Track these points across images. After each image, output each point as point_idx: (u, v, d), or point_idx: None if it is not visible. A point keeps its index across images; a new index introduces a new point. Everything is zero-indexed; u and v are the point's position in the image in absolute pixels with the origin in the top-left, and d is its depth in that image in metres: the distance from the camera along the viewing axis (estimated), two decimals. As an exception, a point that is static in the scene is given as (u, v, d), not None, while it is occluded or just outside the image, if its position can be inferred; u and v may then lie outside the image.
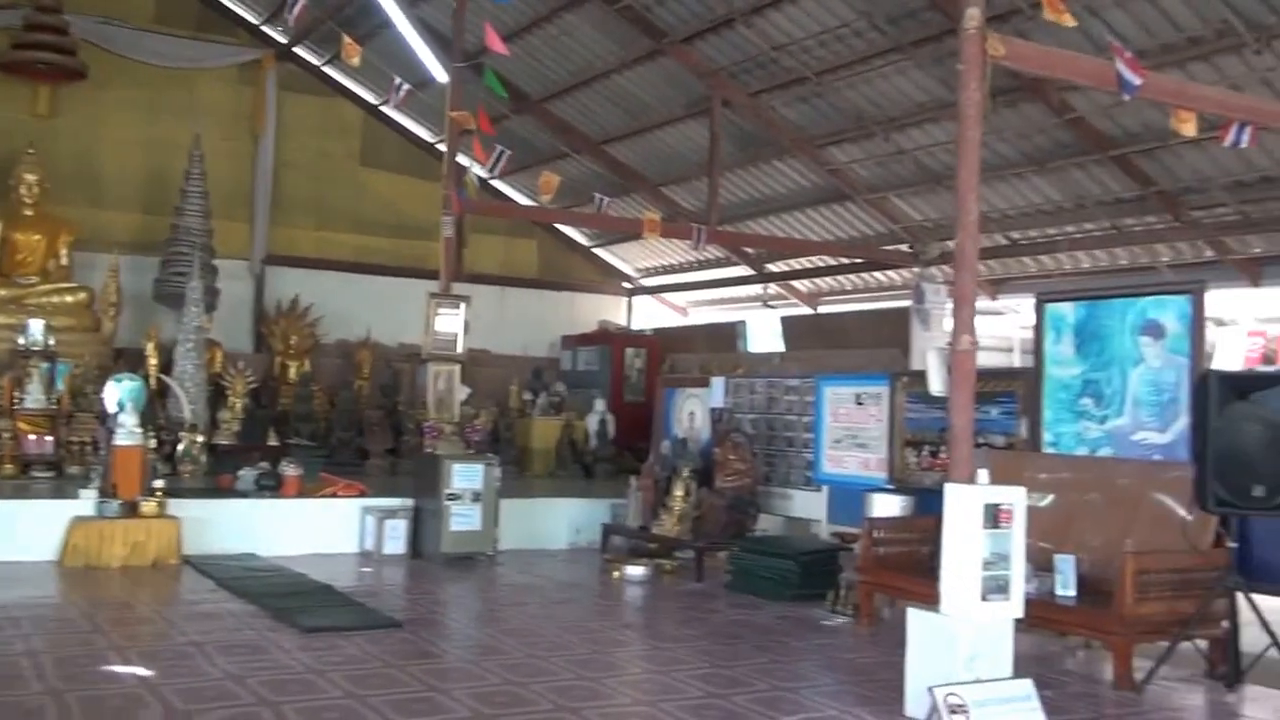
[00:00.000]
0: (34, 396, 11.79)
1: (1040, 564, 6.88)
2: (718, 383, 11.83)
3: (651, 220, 12.70)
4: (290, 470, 10.52)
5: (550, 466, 14.84)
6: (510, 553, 10.49)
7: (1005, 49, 5.85)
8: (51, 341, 12.36)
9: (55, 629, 6.85)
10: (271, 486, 10.38)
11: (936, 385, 8.46)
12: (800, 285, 17.21)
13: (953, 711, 5.08)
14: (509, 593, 8.96)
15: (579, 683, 6.05)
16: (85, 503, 9.26)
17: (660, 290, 19.29)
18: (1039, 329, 8.59)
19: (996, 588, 5.51)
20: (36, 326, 12.37)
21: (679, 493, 10.24)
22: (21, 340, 12.27)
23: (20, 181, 14.03)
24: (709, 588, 9.39)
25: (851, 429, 10.48)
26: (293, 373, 15.36)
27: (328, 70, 16.72)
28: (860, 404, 10.41)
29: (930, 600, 5.87)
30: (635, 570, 9.62)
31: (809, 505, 10.76)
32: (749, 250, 16.94)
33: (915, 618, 5.74)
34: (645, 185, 16.32)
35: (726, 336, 16.96)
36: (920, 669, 5.58)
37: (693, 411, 11.84)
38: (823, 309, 17.04)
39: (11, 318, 13.00)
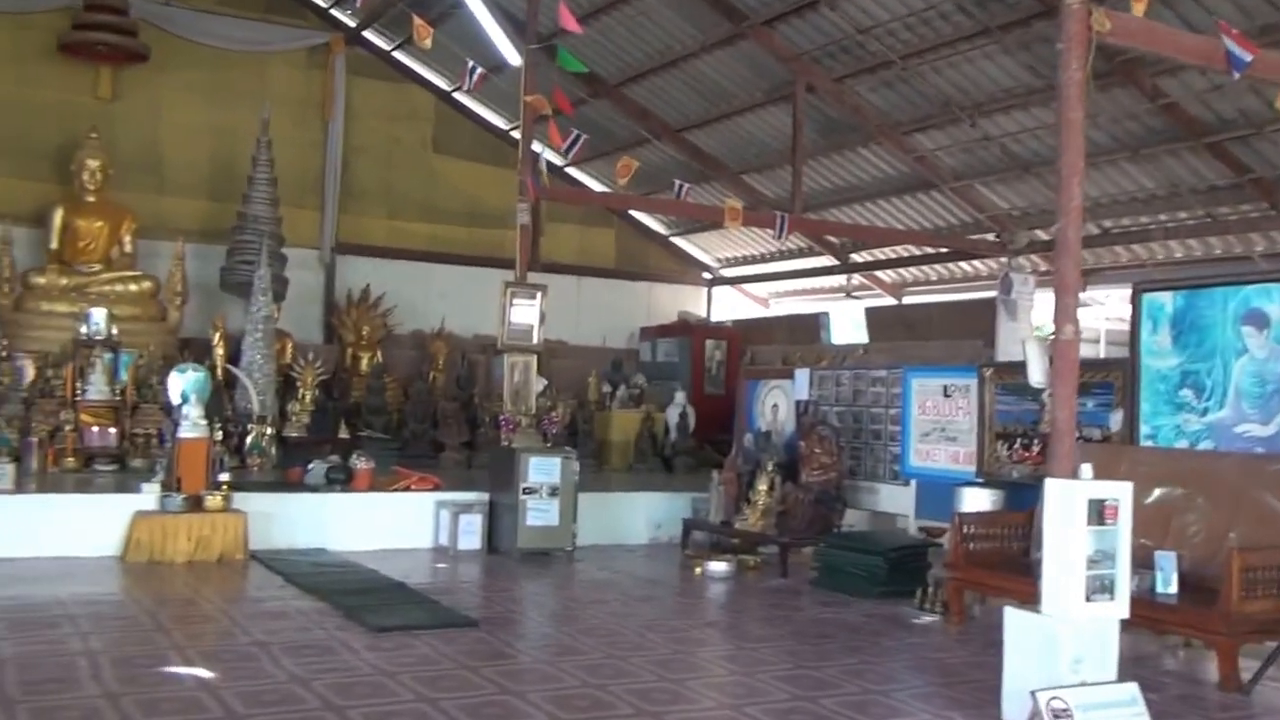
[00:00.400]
0: (97, 387, 11.80)
1: (1139, 561, 6.64)
2: (802, 374, 11.63)
3: (733, 208, 12.51)
4: (361, 463, 10.52)
5: (629, 460, 14.79)
6: (588, 548, 10.40)
7: (1110, 23, 5.61)
8: (115, 331, 12.38)
9: (115, 627, 6.80)
10: (342, 480, 10.37)
11: (1036, 376, 8.28)
12: (884, 275, 16.92)
13: (1056, 716, 4.93)
14: (587, 590, 8.86)
15: (660, 685, 5.92)
16: (148, 497, 9.27)
17: (741, 281, 19.10)
18: (1135, 319, 8.42)
19: (1101, 587, 5.34)
20: (99, 315, 12.38)
21: (763, 487, 10.09)
22: (84, 329, 12.27)
23: (82, 167, 14.02)
24: (794, 584, 9.25)
25: (939, 421, 10.31)
26: (365, 364, 15.35)
27: (398, 55, 16.68)
28: (948, 396, 10.23)
29: (1024, 598, 5.74)
30: (717, 566, 9.48)
31: (896, 499, 10.63)
32: (832, 240, 16.68)
33: (1013, 618, 5.57)
34: (725, 173, 16.13)
35: (809, 328, 16.73)
36: (1019, 671, 5.42)
37: (776, 404, 11.65)
38: (907, 300, 16.77)
39: (74, 306, 12.99)
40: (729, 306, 19.29)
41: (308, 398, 13.24)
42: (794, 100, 13.33)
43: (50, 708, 5.08)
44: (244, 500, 9.52)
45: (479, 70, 10.98)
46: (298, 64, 16.13)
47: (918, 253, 15.86)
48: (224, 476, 9.57)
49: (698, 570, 9.55)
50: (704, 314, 18.98)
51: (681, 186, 12.73)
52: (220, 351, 13.11)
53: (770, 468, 10.23)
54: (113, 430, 11.57)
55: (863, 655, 6.80)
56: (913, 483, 10.49)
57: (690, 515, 11.14)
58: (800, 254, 17.51)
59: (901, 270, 16.62)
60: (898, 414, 10.78)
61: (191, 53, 15.30)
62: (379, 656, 6.23)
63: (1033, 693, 4.97)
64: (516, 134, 13.86)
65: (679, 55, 14.02)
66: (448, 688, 5.65)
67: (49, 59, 14.58)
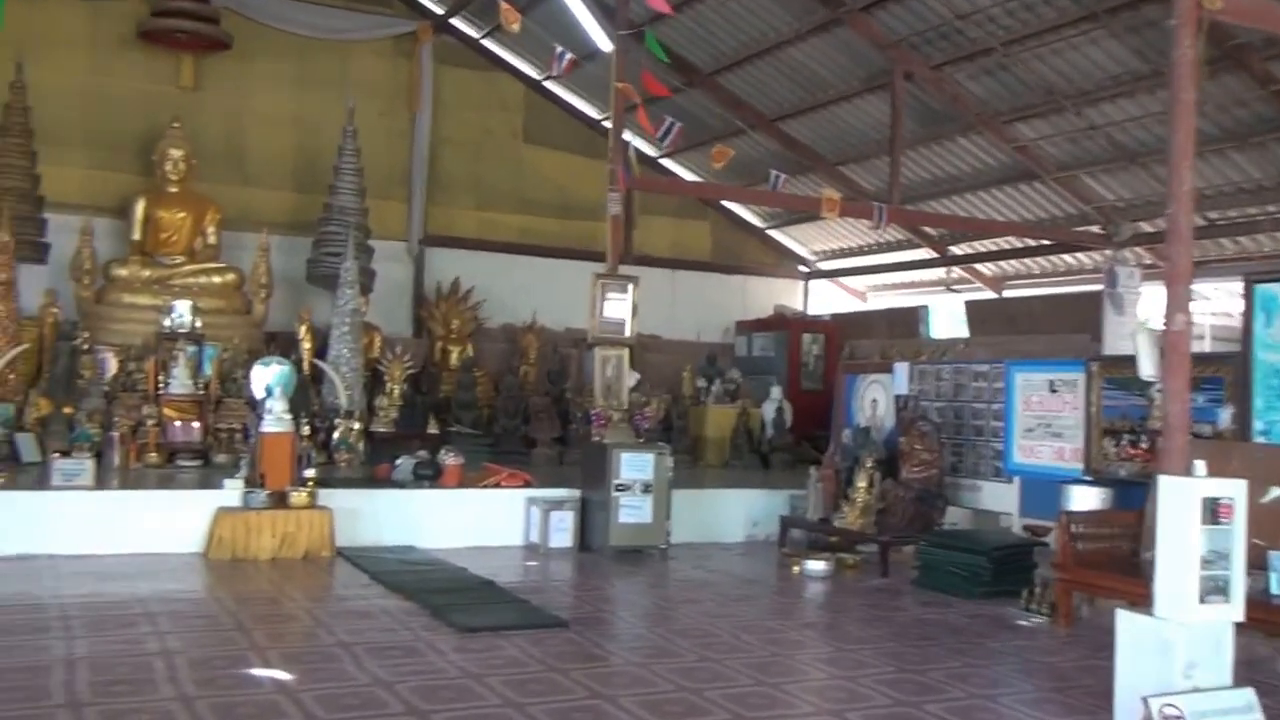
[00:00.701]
0: (180, 381, 11.82)
1: (1252, 562, 6.32)
2: (901, 369, 11.35)
3: (830, 199, 12.26)
4: (450, 459, 10.47)
5: (725, 456, 14.63)
6: (682, 546, 10.25)
7: (1222, 2, 5.38)
8: (199, 324, 12.37)
9: (193, 626, 6.77)
10: (430, 476, 10.34)
11: (1147, 369, 8.13)
12: (984, 268, 16.54)
13: (1169, 723, 4.67)
14: (681, 589, 8.69)
15: (757, 689, 5.74)
16: (231, 493, 9.27)
17: (838, 274, 18.79)
18: (1248, 312, 8.13)
19: (1215, 589, 5.13)
20: (183, 308, 12.37)
21: (862, 484, 9.86)
22: (167, 322, 12.28)
23: (165, 157, 14.05)
24: (894, 584, 9.03)
25: (1044, 417, 10.01)
26: (454, 358, 15.37)
27: (487, 43, 16.63)
28: (1054, 391, 9.90)
29: (1136, 600, 5.58)
30: (816, 565, 9.27)
31: (999, 497, 10.36)
32: (931, 232, 16.34)
33: (1125, 621, 5.36)
34: (822, 164, 15.86)
35: (908, 321, 16.45)
36: (1131, 676, 5.22)
37: (875, 399, 11.37)
38: (1008, 293, 16.37)
39: (156, 298, 13.02)
40: (826, 300, 19.04)
41: (396, 392, 13.19)
42: (892, 89, 13.06)
43: (121, 711, 5.03)
44: (330, 496, 9.50)
45: (568, 56, 10.90)
46: (384, 52, 16.10)
47: (1019, 245, 15.54)
48: (309, 472, 9.54)
49: (795, 569, 9.36)
50: (801, 308, 18.75)
51: (777, 177, 12.50)
52: (307, 345, 13.14)
53: (869, 464, 10.00)
54: (196, 425, 11.60)
55: (967, 658, 6.56)
56: (1016, 480, 10.20)
57: (787, 513, 10.95)
58: (899, 246, 17.17)
59: (1002, 263, 16.27)
60: (1000, 409, 10.49)
61: (275, 41, 15.31)
62: (466, 658, 6.13)
63: (1145, 699, 4.80)
64: (608, 123, 13.76)
65: (774, 43, 13.80)
66: (536, 691, 5.52)
67: (129, 47, 14.71)
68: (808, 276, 19.10)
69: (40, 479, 9.53)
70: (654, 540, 9.99)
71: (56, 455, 9.81)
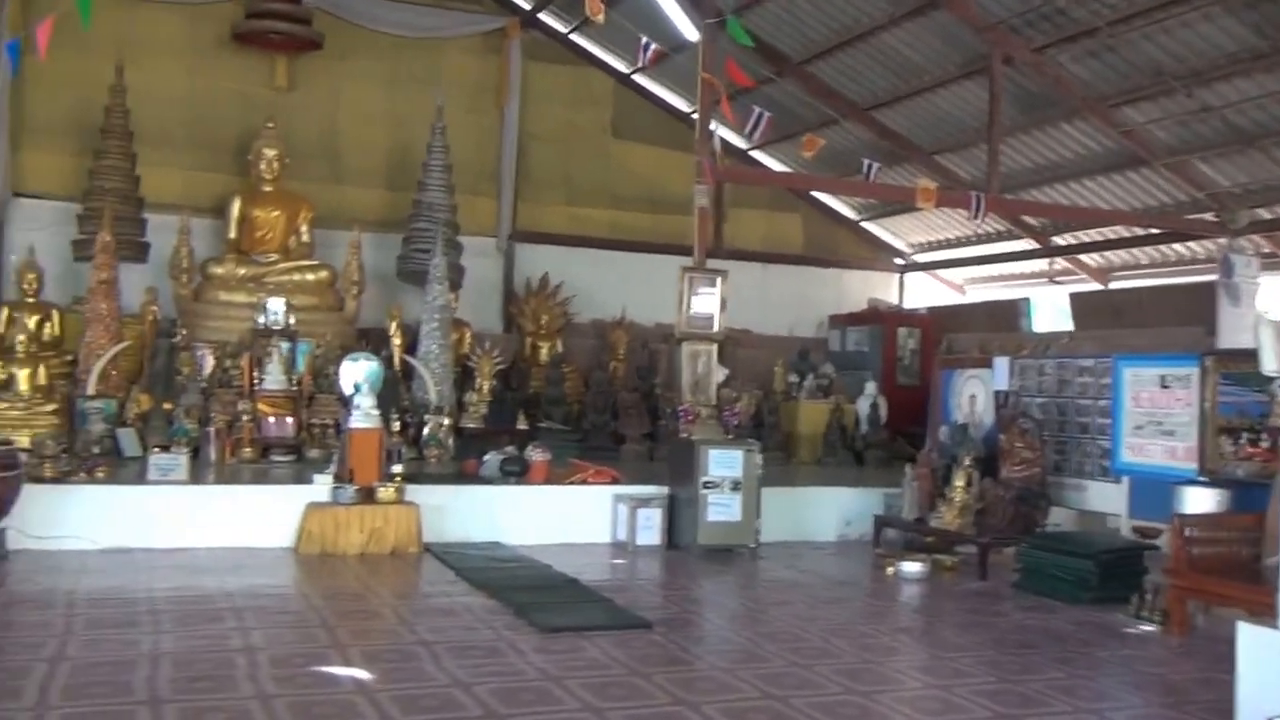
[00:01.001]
0: (274, 377, 11.95)
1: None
2: (1001, 364, 10.96)
3: (926, 188, 11.95)
4: (537, 455, 10.38)
5: (818, 453, 14.36)
6: (773, 545, 10.02)
7: None
8: (292, 320, 12.55)
9: (278, 622, 6.74)
10: (517, 472, 10.25)
11: (1270, 364, 7.67)
12: (1089, 259, 16.00)
13: (1298, 746, 4.34)
14: (771, 590, 8.46)
15: (847, 698, 5.51)
16: (320, 488, 9.28)
17: (935, 266, 18.38)
18: None
19: None
20: (276, 305, 12.57)
21: (960, 483, 9.53)
22: (262, 319, 12.49)
23: (259, 157, 14.25)
24: (994, 587, 8.69)
25: (1155, 414, 9.56)
26: (544, 353, 15.34)
27: (575, 37, 16.57)
28: (1166, 387, 9.45)
29: (1256, 609, 5.28)
30: (911, 567, 8.98)
31: (1106, 498, 9.93)
32: (1032, 222, 15.85)
33: (1247, 634, 5.04)
34: (917, 153, 15.48)
35: (1008, 315, 16.02)
36: (1254, 693, 4.92)
37: (974, 395, 11.01)
38: (1114, 284, 15.81)
39: (251, 296, 13.20)
40: (922, 293, 18.62)
41: (485, 388, 13.21)
42: (990, 73, 12.68)
43: (200, 709, 4.99)
44: (417, 492, 9.46)
45: (653, 46, 10.71)
46: (473, 49, 16.12)
47: (1126, 234, 14.99)
48: (397, 468, 9.53)
49: (890, 570, 9.08)
50: (896, 301, 18.37)
51: (871, 166, 12.18)
52: (397, 341, 13.17)
53: (968, 462, 9.67)
54: (289, 420, 11.69)
55: (1072, 668, 6.24)
56: (1124, 480, 9.75)
57: (882, 512, 10.65)
58: (998, 237, 16.72)
59: (1108, 253, 15.70)
60: (1107, 406, 10.04)
61: (367, 40, 15.46)
62: (547, 659, 5.99)
63: (1270, 719, 4.54)
64: (697, 116, 13.58)
65: (866, 29, 13.48)
66: (617, 696, 5.36)
67: (225, 50, 14.96)
68: (903, 269, 18.71)
69: (139, 474, 9.64)
70: (743, 539, 9.77)
71: (155, 450, 9.96)
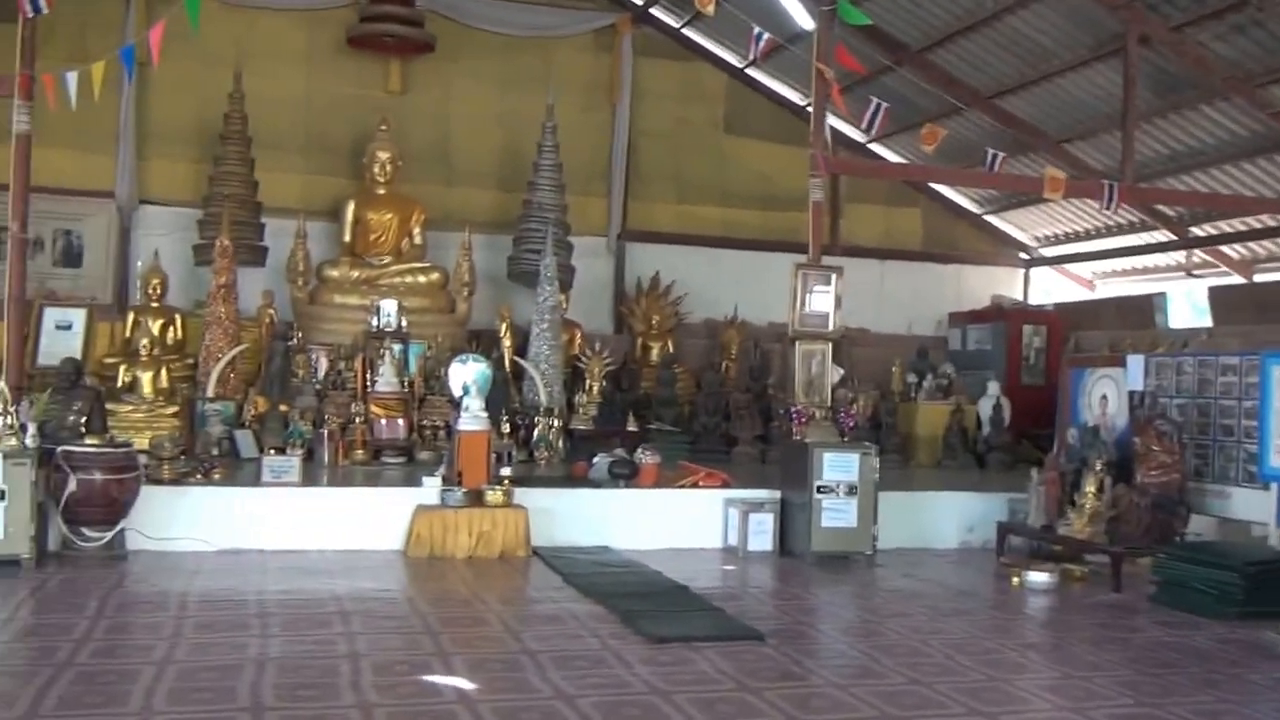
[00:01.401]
0: (386, 379, 12.00)
1: None
2: (1135, 362, 10.40)
3: (1054, 178, 11.44)
4: (647, 458, 10.19)
5: (937, 455, 13.94)
6: (891, 552, 9.68)
7: None
8: (404, 322, 12.61)
9: (384, 628, 6.66)
10: (626, 475, 10.07)
11: None
12: (1231, 251, 15.17)
13: None
14: (889, 600, 8.12)
15: (970, 719, 5.17)
16: (429, 491, 9.24)
17: (1062, 261, 17.68)
18: None
19: None
20: (389, 307, 12.66)
21: (1091, 488, 9.06)
22: (374, 321, 12.60)
23: (373, 159, 14.33)
24: (1128, 600, 8.23)
25: (1308, 415, 8.91)
26: (654, 354, 15.16)
27: (687, 32, 16.34)
28: (1323, 386, 8.83)
29: None
30: (1038, 577, 8.55)
31: (1252, 505, 9.29)
32: (1168, 212, 15.12)
33: None
34: (1044, 141, 14.89)
35: (1141, 310, 15.31)
36: None
37: (1105, 395, 10.48)
38: (1259, 278, 14.95)
39: (365, 298, 13.26)
40: (1048, 289, 17.94)
41: (595, 389, 13.10)
42: (1124, 55, 12.07)
43: (301, 718, 4.92)
44: (526, 495, 9.37)
45: (765, 37, 10.45)
46: (584, 47, 16.02)
47: (1272, 224, 14.12)
48: (505, 471, 9.46)
49: (1015, 580, 8.66)
50: (1020, 297, 17.71)
51: (995, 156, 11.71)
52: (508, 343, 13.15)
53: (1099, 467, 9.18)
54: (401, 422, 11.71)
55: (1219, 691, 5.80)
56: (1273, 486, 9.11)
57: (1006, 518, 10.20)
58: (1130, 229, 15.99)
59: (1253, 244, 14.83)
60: (1254, 407, 9.40)
61: (478, 41, 15.47)
62: (654, 672, 5.78)
63: None
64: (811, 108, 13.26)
65: (990, 13, 12.97)
66: (726, 713, 5.13)
67: (339, 54, 15.10)
68: (1028, 264, 18.06)
69: (254, 475, 9.74)
70: (859, 546, 9.45)
71: (270, 452, 10.08)
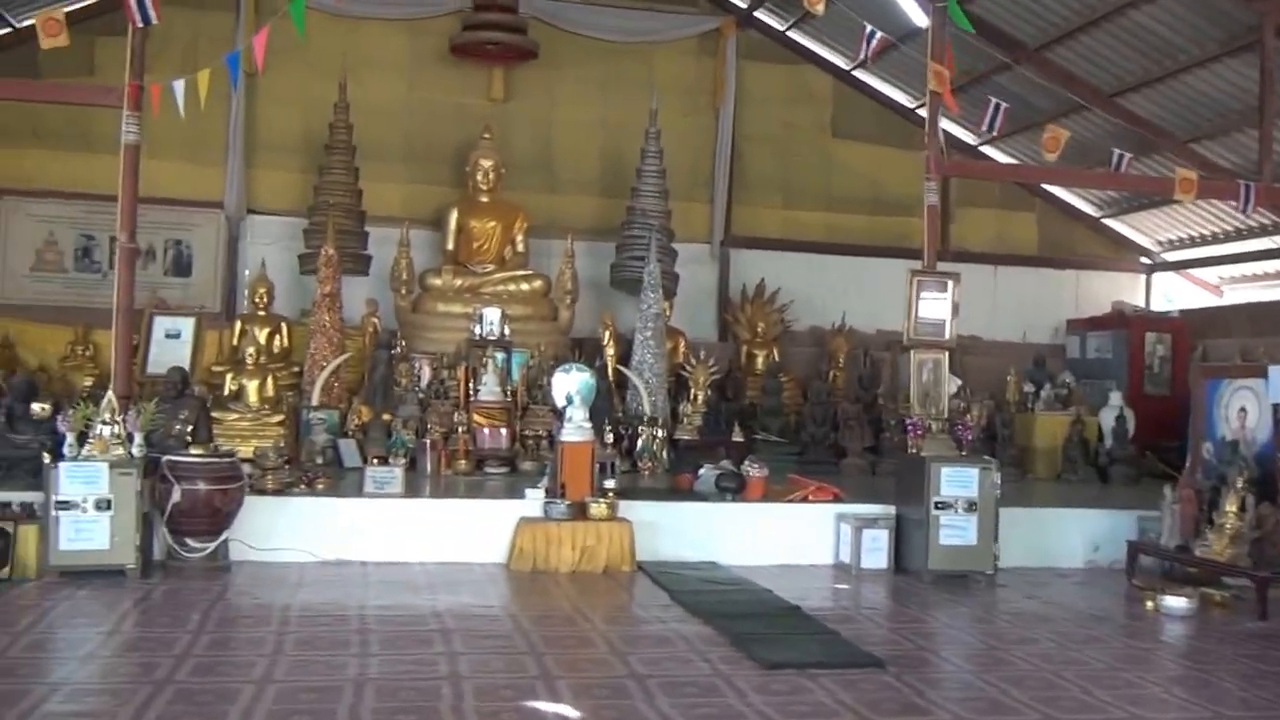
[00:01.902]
0: (489, 388, 11.80)
1: None
2: (1277, 372, 9.74)
3: (1186, 179, 10.83)
4: (754, 471, 9.85)
5: (1057, 468, 13.31)
6: (1012, 571, 9.19)
7: None
8: (507, 331, 12.50)
9: (486, 647, 6.42)
10: (733, 489, 9.74)
11: None
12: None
13: None
14: (1013, 625, 7.65)
15: (1117, 763, 4.75)
16: (532, 503, 9.04)
17: (1188, 265, 16.89)
18: None
19: None
20: (492, 315, 12.55)
21: (1231, 507, 8.48)
22: (477, 330, 12.49)
23: (476, 167, 14.24)
24: (1277, 628, 7.62)
25: None
26: (760, 362, 14.82)
27: (793, 34, 15.98)
28: None
29: None
30: (1176, 602, 8.00)
31: None
32: (1309, 213, 14.28)
33: None
34: (1170, 141, 14.18)
35: (1275, 317, 14.46)
36: None
37: (1244, 408, 9.82)
38: None
39: (467, 307, 13.16)
40: (1173, 295, 17.14)
41: (700, 398, 12.86)
42: (1261, 48, 11.41)
43: (401, 745, 4.72)
44: (631, 508, 9.10)
45: (878, 35, 10.05)
46: (688, 51, 15.81)
47: None
48: (609, 483, 9.20)
49: (1149, 605, 8.12)
50: (1143, 304, 16.96)
51: (1121, 157, 11.13)
52: (611, 351, 12.96)
53: (1240, 484, 8.58)
54: (504, 432, 11.53)
55: (1390, 735, 5.28)
56: None
57: (1136, 537, 9.64)
58: (1262, 232, 15.18)
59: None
60: None
61: (581, 47, 15.37)
62: (768, 701, 5.45)
63: None
64: (924, 111, 12.81)
65: (1112, 8, 12.40)
66: (848, 751, 4.79)
67: (442, 63, 15.10)
68: (1150, 269, 17.29)
69: (357, 486, 9.63)
70: (979, 565, 8.98)
71: (374, 462, 9.98)
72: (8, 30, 13.80)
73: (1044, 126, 12.22)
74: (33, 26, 9.04)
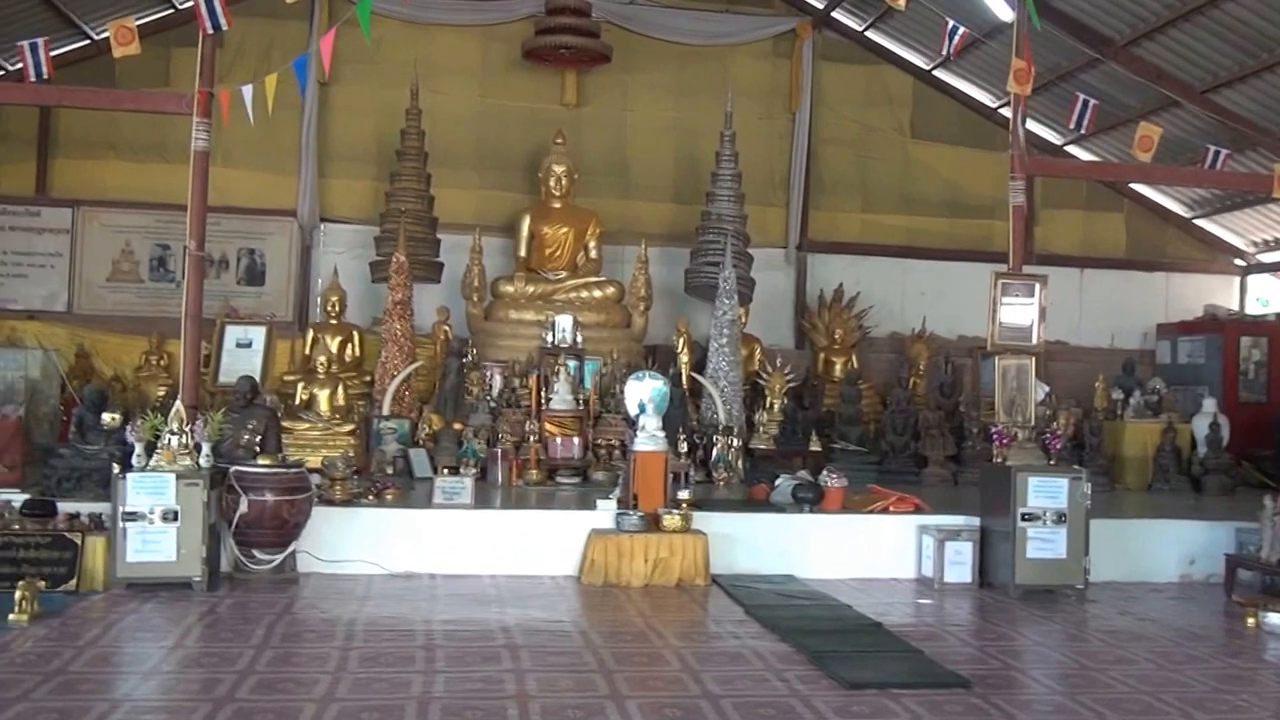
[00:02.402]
0: (561, 397, 11.67)
1: None
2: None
3: (1290, 174, 10.35)
4: (833, 481, 9.55)
5: (1148, 478, 12.88)
6: (1103, 586, 8.84)
7: None
8: (580, 338, 12.36)
9: (555, 664, 6.24)
10: (810, 499, 9.45)
11: None
12: None
13: None
14: (1106, 643, 7.27)
15: (1228, 800, 4.41)
16: (604, 514, 8.86)
17: (1284, 267, 16.24)
18: None
19: None
20: (564, 323, 12.43)
21: (1340, 521, 7.99)
22: (549, 337, 12.37)
23: (549, 173, 14.13)
24: (1390, 650, 7.17)
25: None
26: (838, 370, 14.52)
27: (870, 34, 15.67)
28: None
29: None
30: (1279, 619, 7.56)
31: None
32: None
33: None
34: (1266, 138, 13.59)
35: (1379, 321, 13.86)
36: None
37: (1350, 414, 9.35)
38: None
39: (540, 314, 13.05)
40: (1269, 297, 16.48)
41: (776, 407, 12.55)
42: (1364, 38, 10.87)
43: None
44: (705, 520, 8.88)
45: (961, 30, 9.72)
46: (763, 54, 15.57)
47: None
48: (683, 493, 8.96)
49: (1251, 622, 7.73)
50: (1236, 306, 16.35)
51: (1217, 153, 10.67)
52: (685, 358, 12.76)
53: (1348, 496, 8.13)
54: (576, 441, 11.36)
55: None
56: None
57: (1233, 550, 9.19)
58: (1365, 230, 14.55)
59: None
60: None
61: (655, 51, 15.24)
62: (848, 725, 5.21)
63: None
64: (1004, 111, 12.44)
65: (1204, 0, 11.87)
66: (934, 779, 4.51)
67: (515, 68, 15.03)
68: (1244, 270, 16.67)
69: (426, 496, 9.51)
70: (1069, 579, 8.62)
71: (444, 472, 9.85)
72: (86, 43, 13.97)
73: (1131, 125, 11.76)
74: (109, 39, 9.04)
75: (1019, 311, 9.54)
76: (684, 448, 10.56)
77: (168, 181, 13.20)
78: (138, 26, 9.27)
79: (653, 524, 8.66)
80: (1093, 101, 10.20)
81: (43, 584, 7.27)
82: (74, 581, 7.69)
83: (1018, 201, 9.84)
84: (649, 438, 9.03)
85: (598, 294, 13.69)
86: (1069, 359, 14.98)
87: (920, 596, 8.58)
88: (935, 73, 15.70)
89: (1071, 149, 15.82)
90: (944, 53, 11.48)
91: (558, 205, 14.21)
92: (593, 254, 14.20)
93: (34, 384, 11.34)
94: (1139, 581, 9.23)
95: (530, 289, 13.65)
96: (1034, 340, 9.47)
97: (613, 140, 15.30)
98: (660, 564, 8.50)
